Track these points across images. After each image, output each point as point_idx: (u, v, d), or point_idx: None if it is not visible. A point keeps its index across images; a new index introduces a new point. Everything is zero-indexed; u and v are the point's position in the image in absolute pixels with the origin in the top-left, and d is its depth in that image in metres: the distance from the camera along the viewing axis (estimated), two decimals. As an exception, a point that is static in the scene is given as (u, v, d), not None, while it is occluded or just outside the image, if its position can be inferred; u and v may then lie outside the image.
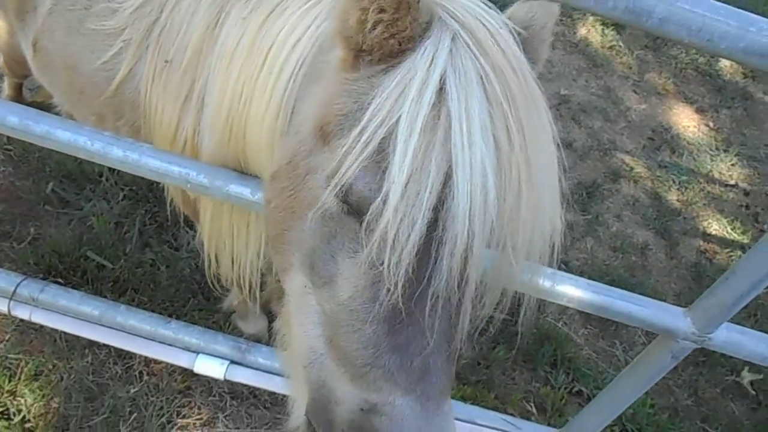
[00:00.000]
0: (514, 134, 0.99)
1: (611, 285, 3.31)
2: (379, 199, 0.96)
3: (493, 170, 0.97)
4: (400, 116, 0.95)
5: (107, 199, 2.92)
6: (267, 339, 2.50)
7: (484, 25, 1.02)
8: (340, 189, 1.00)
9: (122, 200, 2.93)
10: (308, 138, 1.12)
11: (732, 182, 4.45)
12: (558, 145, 1.10)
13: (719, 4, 0.98)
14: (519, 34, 1.14)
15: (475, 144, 0.95)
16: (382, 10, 0.96)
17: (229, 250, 1.70)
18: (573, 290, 1.45)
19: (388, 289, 0.97)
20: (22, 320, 2.15)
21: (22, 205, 2.82)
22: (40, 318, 1.85)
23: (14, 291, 1.81)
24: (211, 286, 1.91)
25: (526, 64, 1.07)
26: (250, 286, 1.74)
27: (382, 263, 0.96)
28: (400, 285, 0.96)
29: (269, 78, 1.30)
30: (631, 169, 4.23)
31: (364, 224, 0.98)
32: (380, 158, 0.97)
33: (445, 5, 1.04)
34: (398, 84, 0.98)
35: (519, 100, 1.02)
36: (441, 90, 0.97)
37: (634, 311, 1.47)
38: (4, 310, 1.84)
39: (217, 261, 1.76)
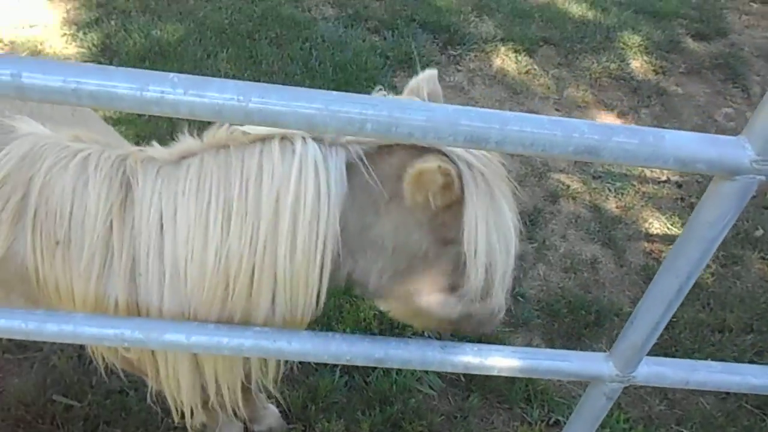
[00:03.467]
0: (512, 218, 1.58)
1: (568, 306, 3.47)
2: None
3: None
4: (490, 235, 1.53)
5: (66, 333, 2.96)
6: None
7: (482, 161, 1.54)
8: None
9: (81, 331, 2.96)
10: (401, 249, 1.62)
11: (663, 178, 4.68)
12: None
13: (544, 117, 1.13)
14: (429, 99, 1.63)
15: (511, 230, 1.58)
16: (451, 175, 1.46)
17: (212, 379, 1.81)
18: (501, 360, 1.56)
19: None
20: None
21: (-19, 360, 2.84)
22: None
23: (-19, 466, 1.84)
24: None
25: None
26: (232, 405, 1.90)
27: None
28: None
29: (292, 222, 1.52)
30: (568, 187, 4.42)
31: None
32: None
33: (458, 160, 1.51)
34: (476, 216, 1.50)
35: (509, 196, 1.59)
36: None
37: (562, 366, 1.58)
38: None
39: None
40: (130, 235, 1.60)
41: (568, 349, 3.32)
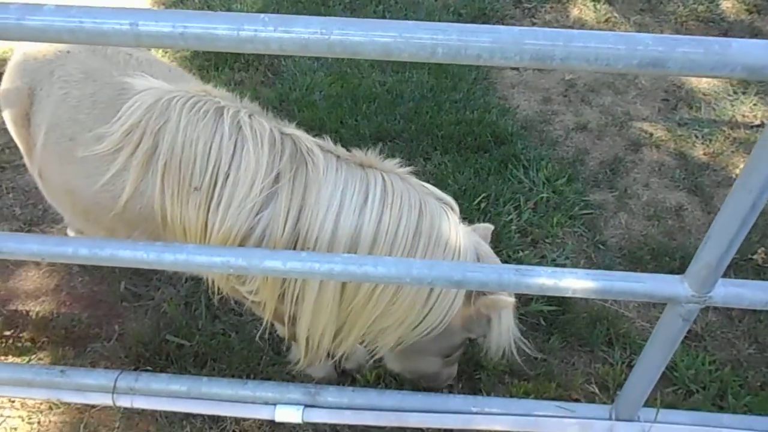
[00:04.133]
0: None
1: (651, 253, 3.43)
2: None
3: None
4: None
5: (173, 284, 3.27)
6: (336, 379, 2.75)
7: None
8: None
9: (186, 282, 3.26)
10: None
11: (757, 122, 4.45)
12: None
13: (608, 33, 1.18)
14: None
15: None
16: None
17: (322, 331, 2.10)
18: (575, 282, 1.62)
19: None
20: (125, 408, 2.48)
21: (103, 307, 3.19)
22: (140, 403, 2.16)
23: (114, 385, 2.13)
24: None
25: None
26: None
27: None
28: None
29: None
30: (651, 135, 4.30)
31: None
32: None
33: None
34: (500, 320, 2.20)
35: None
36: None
37: (636, 287, 1.63)
38: (110, 402, 2.16)
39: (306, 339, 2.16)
40: (298, 205, 1.88)
41: (652, 294, 3.30)
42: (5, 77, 2.56)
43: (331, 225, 1.86)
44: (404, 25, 1.18)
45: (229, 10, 5.23)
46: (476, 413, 2.08)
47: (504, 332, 2.21)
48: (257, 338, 2.95)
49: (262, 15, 1.20)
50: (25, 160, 2.83)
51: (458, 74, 4.66)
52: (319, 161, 1.90)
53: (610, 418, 2.08)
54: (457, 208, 2.16)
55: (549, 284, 1.64)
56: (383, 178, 1.97)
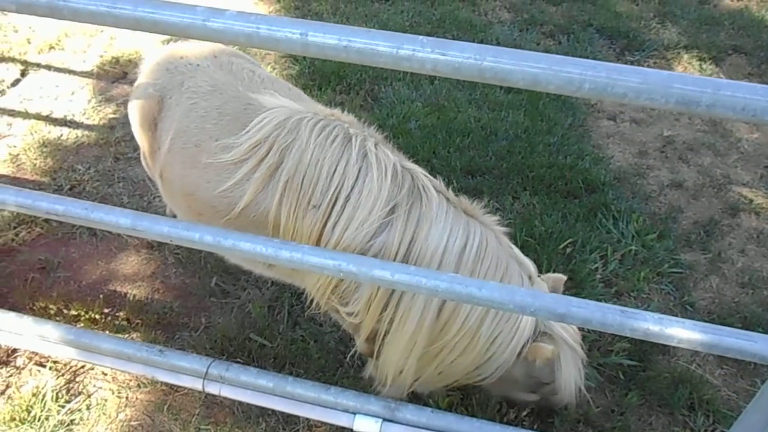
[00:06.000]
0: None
1: (743, 321, 3.31)
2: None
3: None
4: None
5: (258, 287, 3.40)
6: (407, 399, 2.78)
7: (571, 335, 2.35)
8: None
9: (271, 286, 3.39)
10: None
11: None
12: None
13: (758, 85, 1.20)
14: None
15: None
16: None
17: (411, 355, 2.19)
18: (682, 332, 1.61)
19: None
20: (207, 395, 2.59)
21: (193, 299, 3.36)
22: (227, 392, 2.26)
23: (206, 371, 2.24)
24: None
25: None
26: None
27: None
28: None
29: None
30: (751, 201, 4.16)
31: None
32: None
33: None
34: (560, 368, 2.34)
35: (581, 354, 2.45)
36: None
37: (745, 346, 1.59)
38: (199, 387, 2.27)
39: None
40: (410, 236, 2.01)
41: (741, 363, 3.16)
42: (141, 77, 2.79)
43: (437, 262, 1.95)
44: (554, 59, 1.24)
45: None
46: (554, 454, 2.05)
47: (565, 379, 2.32)
48: (334, 347, 3.04)
49: (421, 37, 1.29)
50: (143, 159, 3.06)
51: (554, 119, 4.68)
52: (432, 199, 2.01)
53: (695, 482, 2.00)
54: (533, 270, 2.33)
55: (654, 330, 1.62)
56: (481, 233, 2.14)
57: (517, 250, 2.31)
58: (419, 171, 2.13)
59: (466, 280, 1.72)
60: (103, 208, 1.86)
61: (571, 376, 2.34)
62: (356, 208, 1.98)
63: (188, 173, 2.35)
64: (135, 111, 2.71)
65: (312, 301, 2.38)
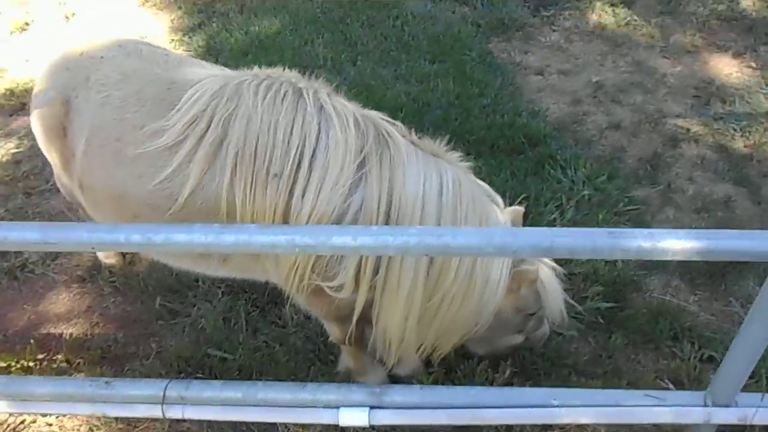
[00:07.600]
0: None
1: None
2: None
3: None
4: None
5: (209, 299, 3.13)
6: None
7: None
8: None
9: (222, 297, 3.13)
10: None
11: (796, 113, 4.33)
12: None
13: None
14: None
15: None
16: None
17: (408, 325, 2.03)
18: (676, 243, 1.48)
19: None
20: (171, 421, 2.32)
21: (138, 327, 3.06)
22: (191, 413, 2.00)
23: (164, 394, 1.97)
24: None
25: None
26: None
27: None
28: None
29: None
30: (687, 130, 4.19)
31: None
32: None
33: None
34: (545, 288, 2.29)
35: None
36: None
37: (743, 245, 1.48)
38: (159, 414, 2.00)
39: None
40: (388, 188, 1.81)
41: (712, 286, 3.13)
42: (37, 85, 2.49)
43: (419, 209, 1.78)
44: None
45: (247, 32, 5.22)
46: (558, 406, 1.91)
47: (552, 295, 2.28)
48: (302, 346, 2.81)
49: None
50: (57, 179, 2.74)
51: (484, 81, 4.59)
52: (400, 145, 1.85)
53: (705, 405, 1.90)
54: (501, 204, 2.24)
55: (646, 246, 1.49)
56: (452, 173, 2.00)
57: (484, 185, 2.21)
58: (378, 116, 1.95)
59: (437, 230, 1.55)
60: (5, 225, 1.57)
61: (557, 292, 2.29)
62: (325, 167, 1.77)
63: (113, 173, 2.08)
64: (37, 122, 2.40)
65: (286, 295, 2.17)
